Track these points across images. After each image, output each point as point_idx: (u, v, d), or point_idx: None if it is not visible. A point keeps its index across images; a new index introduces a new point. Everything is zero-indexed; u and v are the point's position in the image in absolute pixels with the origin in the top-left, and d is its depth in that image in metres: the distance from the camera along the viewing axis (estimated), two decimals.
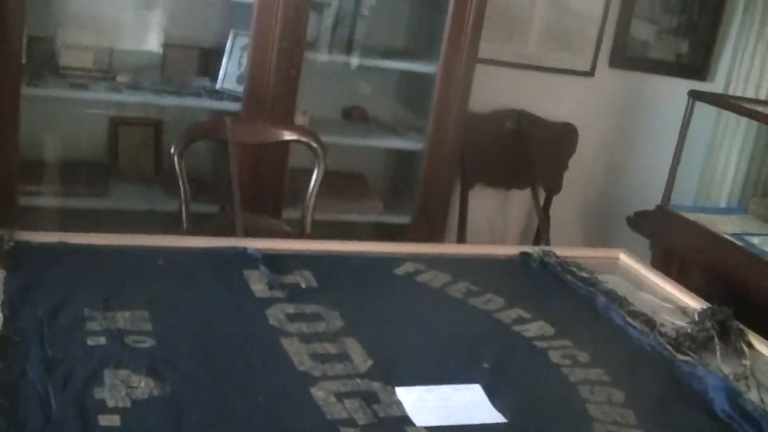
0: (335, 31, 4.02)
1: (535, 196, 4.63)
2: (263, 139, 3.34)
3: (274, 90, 3.62)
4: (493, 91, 4.51)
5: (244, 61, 3.70)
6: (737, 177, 4.98)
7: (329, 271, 2.55)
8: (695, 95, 4.22)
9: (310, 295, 2.38)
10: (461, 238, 4.51)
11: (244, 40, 3.74)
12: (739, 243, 3.91)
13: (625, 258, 3.05)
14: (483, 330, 2.38)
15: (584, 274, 2.79)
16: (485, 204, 4.73)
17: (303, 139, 3.26)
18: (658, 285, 2.87)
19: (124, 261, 2.44)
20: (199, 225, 3.16)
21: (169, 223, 3.19)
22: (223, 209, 3.42)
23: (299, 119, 3.77)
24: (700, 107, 4.23)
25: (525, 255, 2.91)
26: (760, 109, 4.10)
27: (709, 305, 2.63)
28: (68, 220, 3.63)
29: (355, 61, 4.01)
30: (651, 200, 4.38)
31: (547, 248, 3.01)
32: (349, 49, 4.02)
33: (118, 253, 2.48)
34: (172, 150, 3.03)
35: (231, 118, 3.22)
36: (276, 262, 2.52)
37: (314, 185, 3.22)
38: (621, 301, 2.62)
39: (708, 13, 5.02)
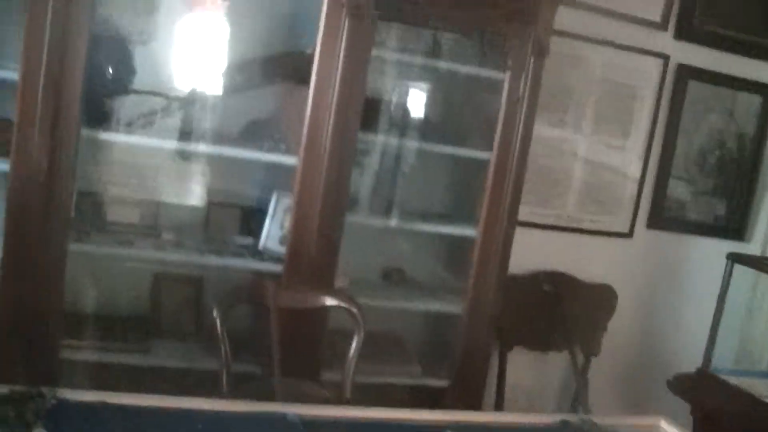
0: (375, 192, 4.07)
1: (573, 359, 4.59)
2: (304, 305, 3.36)
3: (316, 252, 3.65)
4: (531, 252, 4.53)
5: (287, 222, 3.74)
6: None
7: None
8: (734, 258, 4.23)
9: None
10: (499, 401, 4.46)
11: (287, 201, 3.79)
12: None
13: (665, 425, 3.00)
14: None
15: None
16: (524, 366, 4.69)
17: (343, 305, 3.28)
18: None
19: (165, 424, 2.44)
20: (238, 386, 3.14)
21: (209, 381, 3.18)
22: (264, 372, 3.41)
23: (339, 281, 3.78)
24: (739, 269, 4.23)
25: (565, 423, 2.87)
26: None
27: None
28: (108, 374, 3.61)
29: (394, 222, 4.04)
30: (691, 363, 4.36)
31: (586, 416, 2.98)
32: (389, 210, 4.06)
33: (158, 415, 2.47)
34: (214, 313, 3.05)
35: (273, 283, 3.24)
36: (315, 429, 2.51)
37: (354, 352, 3.22)
38: None
39: (744, 175, 5.07)
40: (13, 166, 3.28)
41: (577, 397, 4.67)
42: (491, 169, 3.92)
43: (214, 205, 4.01)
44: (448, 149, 4.10)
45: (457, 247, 4.24)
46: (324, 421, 2.61)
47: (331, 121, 3.58)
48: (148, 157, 3.83)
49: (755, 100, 5.03)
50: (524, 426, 2.92)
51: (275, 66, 3.91)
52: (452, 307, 4.14)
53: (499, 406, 4.45)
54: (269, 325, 3.19)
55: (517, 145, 3.91)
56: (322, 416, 2.65)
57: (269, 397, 2.94)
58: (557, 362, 4.80)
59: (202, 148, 3.80)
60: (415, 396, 4.17)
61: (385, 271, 4.35)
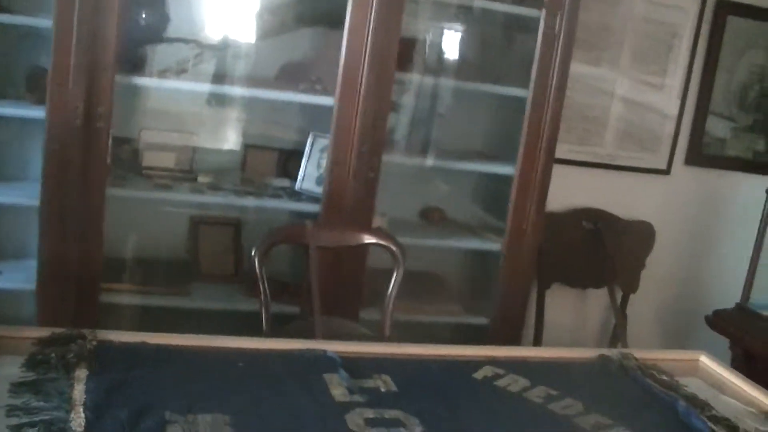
0: (412, 132, 4.07)
1: (612, 296, 4.59)
2: (343, 243, 3.37)
3: (353, 192, 3.67)
4: (570, 190, 4.53)
5: (324, 162, 3.75)
6: None
7: (408, 376, 2.54)
8: None
9: (390, 399, 2.37)
10: (538, 338, 4.49)
11: (323, 141, 3.80)
12: None
13: (705, 360, 3.00)
14: None
15: (664, 378, 2.75)
16: (562, 303, 4.71)
17: (382, 242, 3.29)
18: (740, 388, 2.81)
19: (205, 363, 2.47)
20: (279, 327, 3.19)
21: (249, 323, 3.21)
22: (303, 312, 3.44)
23: (377, 221, 3.80)
24: None
25: (604, 358, 2.88)
26: None
27: None
28: (148, 318, 3.70)
29: (432, 162, 4.04)
30: (730, 299, 4.36)
31: (625, 350, 2.98)
32: (426, 150, 4.07)
33: (198, 354, 2.51)
34: (253, 254, 3.08)
35: (311, 222, 3.26)
36: (355, 366, 2.52)
37: (393, 289, 3.24)
38: (703, 406, 2.57)
39: None
40: (49, 113, 3.32)
41: (616, 333, 4.68)
42: (528, 106, 3.90)
43: (250, 147, 4.04)
44: (485, 87, 4.09)
45: (496, 186, 4.25)
46: (364, 358, 2.63)
47: (367, 63, 3.58)
48: (184, 102, 3.89)
49: None
50: (563, 360, 2.92)
51: (309, 9, 3.91)
52: (491, 245, 4.16)
53: (538, 343, 4.48)
54: (308, 265, 3.21)
55: (554, 82, 3.89)
56: (361, 353, 2.67)
57: (309, 336, 2.96)
58: (596, 299, 4.81)
59: (237, 91, 3.84)
60: (455, 334, 4.23)
61: (424, 210, 4.36)
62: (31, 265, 3.49)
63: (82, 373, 2.23)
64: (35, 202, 3.42)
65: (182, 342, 2.54)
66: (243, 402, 2.24)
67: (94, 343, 2.40)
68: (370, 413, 2.27)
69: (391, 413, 2.28)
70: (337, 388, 2.39)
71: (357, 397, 2.35)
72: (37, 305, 3.48)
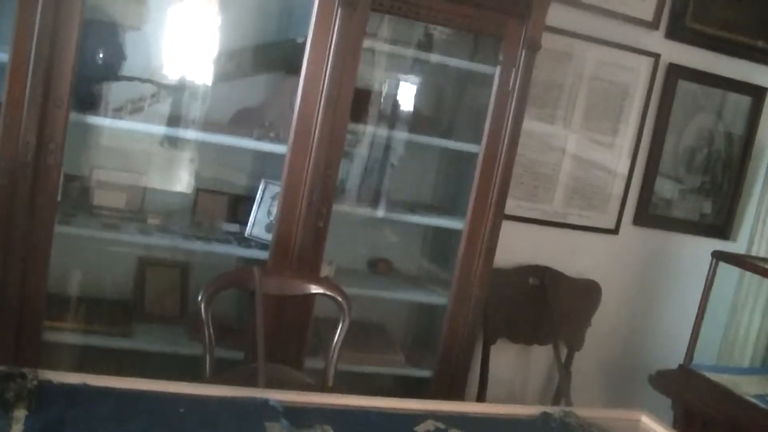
0: (363, 181, 4.09)
1: (557, 353, 4.61)
2: (290, 292, 3.36)
3: (302, 240, 3.65)
4: (517, 246, 4.57)
5: (274, 209, 3.74)
6: (760, 337, 4.97)
7: (350, 427, 2.53)
8: (719, 256, 4.26)
9: None
10: (482, 393, 4.49)
11: (274, 188, 3.80)
12: (763, 405, 3.88)
13: (646, 420, 3.01)
14: None
15: None
16: (507, 359, 4.72)
17: (329, 293, 3.28)
18: None
19: (145, 406, 2.43)
20: (222, 371, 3.16)
21: (192, 366, 3.20)
22: (246, 357, 3.43)
23: (325, 269, 3.80)
24: (724, 267, 4.25)
25: (546, 415, 2.88)
26: None
27: None
28: (91, 357, 3.65)
29: (381, 213, 4.05)
30: (673, 359, 4.40)
31: (567, 409, 2.98)
32: (376, 200, 4.07)
33: (139, 397, 2.48)
34: (200, 297, 3.06)
35: (259, 269, 3.24)
36: (297, 415, 2.50)
37: (338, 339, 3.23)
38: None
39: (731, 174, 5.11)
40: (1, 146, 3.28)
41: (559, 390, 4.69)
42: (480, 161, 3.92)
43: (201, 191, 4.03)
44: (437, 141, 4.11)
45: (444, 239, 4.27)
46: (306, 407, 2.62)
47: (321, 111, 3.58)
48: (137, 142, 3.85)
49: (744, 101, 5.06)
50: (506, 417, 2.91)
51: (266, 55, 3.93)
52: (437, 298, 4.17)
53: (481, 398, 4.48)
54: (254, 312, 3.20)
55: (506, 138, 3.91)
56: (304, 402, 2.66)
57: (252, 383, 2.94)
58: (541, 355, 4.83)
59: (191, 134, 3.80)
60: (398, 385, 4.22)
61: (372, 260, 4.37)
62: None
63: (20, 413, 2.19)
64: None
65: (123, 385, 2.51)
66: None
67: (35, 382, 2.36)
68: None
69: None
70: None
71: None
72: None
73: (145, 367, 3.73)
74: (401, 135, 4.13)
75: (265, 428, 2.41)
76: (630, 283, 5.00)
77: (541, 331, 4.68)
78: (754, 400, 3.93)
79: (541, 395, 4.90)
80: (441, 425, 2.65)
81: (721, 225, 5.15)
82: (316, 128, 3.59)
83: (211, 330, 3.07)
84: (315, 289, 3.34)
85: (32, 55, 3.22)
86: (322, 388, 3.19)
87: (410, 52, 4.05)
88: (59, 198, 3.44)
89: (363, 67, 3.73)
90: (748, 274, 4.79)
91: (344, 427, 2.51)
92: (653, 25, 4.73)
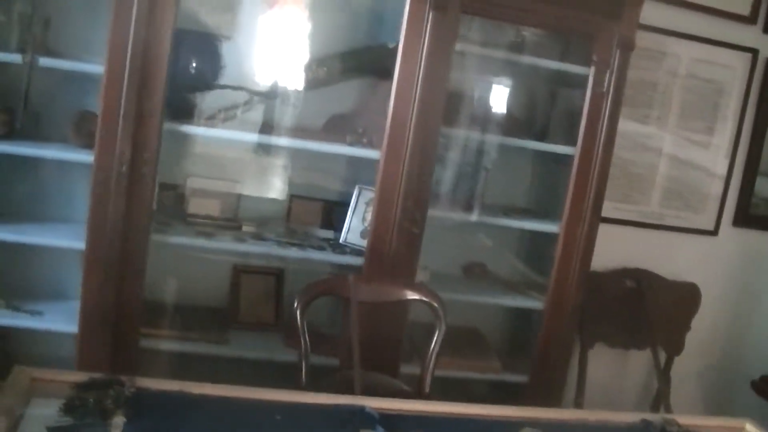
0: (457, 186, 4.05)
1: (656, 358, 4.52)
2: (385, 298, 3.35)
3: (397, 246, 3.64)
4: (614, 249, 4.49)
5: (368, 216, 3.74)
6: None
7: None
8: None
9: None
10: (579, 398, 4.42)
11: (368, 194, 3.80)
12: None
13: (751, 429, 2.93)
14: None
15: None
16: (604, 364, 4.65)
17: (425, 299, 3.27)
18: None
19: (242, 414, 2.46)
20: (316, 378, 3.16)
21: (287, 373, 3.19)
22: (342, 365, 3.42)
23: (420, 275, 3.77)
24: None
25: (645, 423, 2.83)
26: None
27: None
28: (186, 364, 3.68)
29: (475, 217, 4.01)
30: None
31: (668, 416, 2.92)
32: (470, 205, 4.03)
33: (236, 405, 2.49)
34: (295, 305, 3.06)
35: (354, 276, 3.24)
36: (393, 423, 2.50)
37: (435, 346, 3.21)
38: None
39: None
40: (97, 157, 3.33)
41: (658, 396, 4.60)
42: (575, 164, 3.87)
43: (295, 197, 4.04)
44: (531, 144, 4.07)
45: (539, 243, 4.22)
46: (402, 415, 2.60)
47: (414, 116, 3.56)
48: (231, 150, 3.89)
49: None
50: (604, 424, 2.87)
51: (357, 60, 3.91)
52: (533, 302, 4.12)
53: (579, 404, 4.41)
54: (349, 319, 3.19)
55: (602, 140, 3.85)
56: (399, 410, 2.64)
57: (347, 390, 2.93)
58: (639, 360, 4.74)
59: (284, 141, 3.84)
60: (494, 391, 4.17)
61: (466, 265, 4.33)
62: (73, 307, 3.50)
63: (119, 420, 2.22)
64: (79, 244, 3.43)
65: (220, 392, 2.53)
66: None
67: (133, 389, 2.39)
68: None
69: None
70: None
71: None
72: (76, 348, 3.47)
73: (241, 375, 3.74)
74: (494, 138, 4.09)
75: None
76: (730, 285, 4.88)
77: (638, 336, 4.59)
78: None
79: (639, 401, 4.81)
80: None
81: None
82: (409, 133, 3.57)
83: (307, 339, 3.07)
84: (410, 295, 3.32)
85: (126, 67, 3.27)
86: (419, 395, 3.17)
87: (501, 54, 4.00)
88: (154, 207, 3.48)
89: (454, 70, 3.69)
90: None
91: None
92: (750, 19, 4.62)
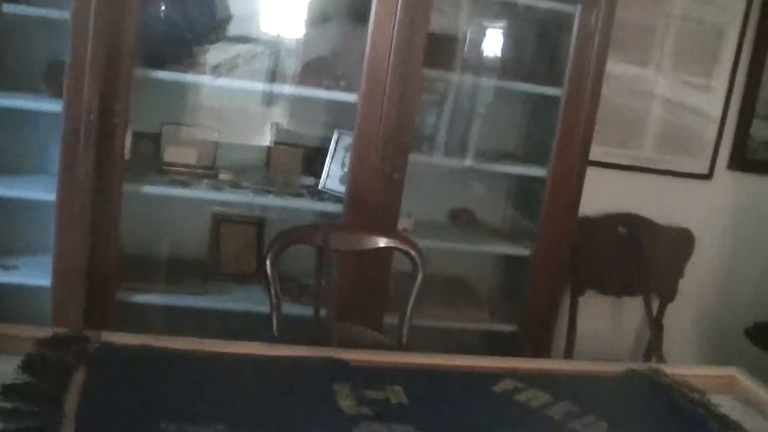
0: (442, 131, 3.97)
1: (648, 305, 4.45)
2: (360, 247, 3.25)
3: (378, 193, 3.57)
4: (606, 194, 4.39)
5: (348, 161, 3.65)
6: None
7: (422, 388, 2.42)
8: None
9: (401, 413, 2.25)
10: (570, 347, 4.36)
11: (348, 139, 3.71)
12: None
13: (740, 377, 2.84)
14: None
15: (696, 396, 2.60)
16: (596, 311, 4.56)
17: (401, 246, 3.17)
18: None
19: (211, 369, 2.37)
20: (295, 330, 3.09)
21: (268, 324, 3.12)
22: (318, 316, 3.34)
23: (403, 222, 3.69)
24: None
25: (632, 372, 2.75)
26: None
27: None
28: (166, 317, 3.65)
29: (462, 163, 3.93)
30: None
31: (655, 365, 2.85)
32: (456, 150, 3.96)
33: (204, 360, 2.41)
34: (265, 254, 2.98)
35: (325, 225, 3.16)
36: (367, 376, 2.42)
37: (412, 296, 3.12)
38: (735, 428, 2.42)
39: None
40: (66, 107, 3.25)
41: (651, 344, 4.53)
42: (562, 106, 3.78)
43: (275, 144, 3.96)
44: (519, 86, 3.97)
45: (528, 188, 4.15)
46: (377, 367, 2.53)
47: (392, 58, 3.48)
48: (207, 97, 3.81)
49: None
50: (589, 375, 2.79)
51: (334, 3, 3.84)
52: (522, 250, 4.04)
53: (569, 353, 4.35)
54: (323, 268, 3.12)
55: (589, 81, 3.76)
56: (374, 362, 2.57)
57: (323, 342, 2.85)
58: (631, 307, 4.66)
59: (261, 87, 3.75)
60: (483, 341, 4.12)
61: (453, 212, 4.25)
62: (49, 261, 3.43)
63: (79, 377, 2.13)
64: (53, 197, 3.35)
65: (187, 346, 2.45)
66: (244, 413, 2.14)
67: (97, 345, 2.31)
68: (378, 427, 2.15)
69: (400, 428, 2.16)
70: (346, 400, 2.27)
71: (365, 410, 2.23)
72: (52, 303, 3.41)
73: (222, 326, 3.71)
74: (481, 81, 4.01)
75: (332, 390, 2.32)
76: (725, 230, 4.78)
77: (631, 282, 4.51)
78: None
79: (632, 350, 4.75)
80: (521, 384, 2.53)
81: None
82: (387, 76, 3.48)
83: (278, 289, 2.98)
84: (385, 242, 3.21)
85: (92, 13, 3.18)
86: (397, 346, 3.10)
87: None
88: (128, 157, 3.40)
89: (438, 12, 3.62)
90: None
91: (416, 388, 2.41)
92: None
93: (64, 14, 3.27)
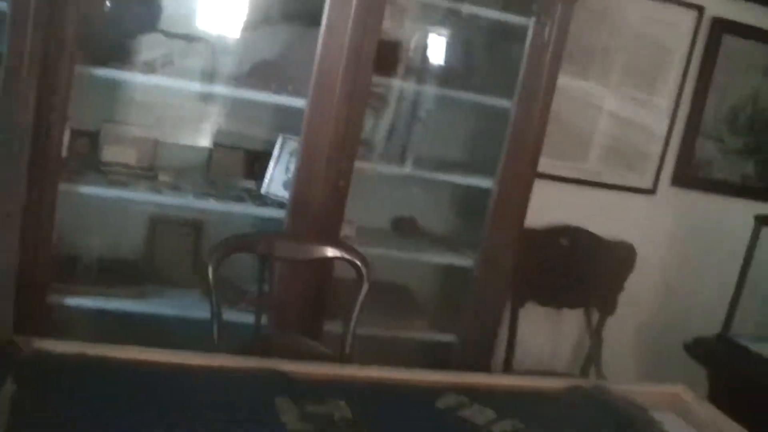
0: (388, 138, 3.92)
1: (588, 318, 4.45)
2: (305, 256, 3.19)
3: (322, 199, 3.50)
4: (549, 206, 4.36)
5: (292, 166, 3.58)
6: None
7: (366, 402, 2.38)
8: (762, 220, 4.06)
9: (344, 429, 2.21)
10: (509, 358, 4.34)
11: (293, 144, 3.64)
12: None
13: (684, 394, 2.86)
14: None
15: (638, 413, 2.60)
16: (536, 323, 4.55)
17: (347, 256, 3.11)
18: (718, 427, 2.69)
19: (148, 378, 2.29)
20: (235, 337, 3.01)
21: (206, 329, 3.04)
22: (263, 324, 3.27)
23: (346, 229, 3.63)
24: (767, 232, 4.07)
25: (576, 389, 2.73)
26: None
27: None
28: (100, 322, 3.54)
29: (407, 170, 3.88)
30: (711, 327, 4.24)
31: (599, 383, 2.85)
32: (402, 158, 3.91)
33: (140, 370, 2.33)
34: (207, 261, 2.90)
35: (271, 234, 3.09)
36: (311, 389, 2.37)
37: (357, 307, 3.07)
38: None
39: None
40: (1, 102, 3.11)
41: (590, 356, 4.53)
42: (512, 118, 3.75)
43: (217, 146, 3.88)
44: (469, 96, 3.91)
45: (473, 199, 4.07)
46: (320, 380, 2.48)
47: (343, 64, 3.41)
48: (150, 96, 3.70)
49: None
50: (534, 390, 2.78)
51: (286, 5, 3.75)
52: (465, 260, 3.99)
53: (509, 364, 4.33)
54: (266, 277, 3.05)
55: (541, 94, 3.73)
56: (318, 375, 2.52)
57: (265, 353, 2.79)
58: (571, 320, 4.66)
59: (206, 88, 3.65)
60: (422, 351, 4.06)
61: (396, 220, 4.20)
62: None
63: (9, 388, 2.04)
64: None
65: (124, 354, 2.37)
66: (182, 426, 2.07)
67: (28, 352, 2.22)
68: None
69: None
70: (289, 414, 2.21)
71: (309, 426, 2.18)
72: None
73: (158, 330, 3.60)
74: (431, 90, 3.98)
75: (275, 404, 2.25)
76: (667, 246, 4.80)
77: (571, 295, 4.51)
78: None
79: (571, 361, 4.74)
80: (464, 399, 2.50)
81: (765, 187, 4.92)
82: (337, 82, 3.41)
83: (218, 298, 2.91)
84: (331, 252, 3.15)
85: (32, 5, 3.04)
86: (340, 357, 3.04)
87: (440, 2, 3.84)
88: (65, 155, 3.29)
89: (389, 19, 3.56)
90: None
91: (360, 402, 2.36)
92: None
93: (1, 5, 3.13)
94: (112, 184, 3.50)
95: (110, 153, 3.60)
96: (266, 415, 2.20)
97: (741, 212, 4.52)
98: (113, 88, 3.61)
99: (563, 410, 2.65)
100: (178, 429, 2.03)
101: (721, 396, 3.81)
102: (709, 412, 2.78)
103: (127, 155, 3.61)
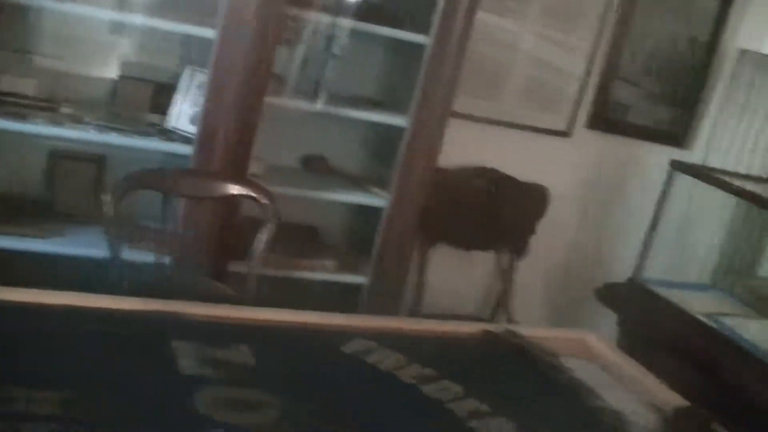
0: (300, 73, 3.81)
1: (498, 260, 4.42)
2: (209, 194, 3.10)
3: (230, 134, 3.38)
4: (463, 146, 4.28)
5: (201, 100, 3.45)
6: (713, 253, 4.79)
7: (269, 346, 2.31)
8: (677, 166, 4.05)
9: (246, 375, 2.14)
10: (418, 300, 4.30)
11: (202, 77, 3.51)
12: (713, 324, 3.73)
13: (594, 341, 2.85)
14: (433, 426, 2.14)
15: (549, 359, 2.57)
16: (446, 265, 4.49)
17: (252, 194, 3.02)
18: (628, 373, 2.69)
19: (42, 322, 2.18)
20: (135, 277, 2.92)
21: (106, 271, 2.93)
22: (161, 264, 3.16)
23: (254, 167, 3.53)
24: (680, 178, 4.06)
25: (487, 334, 2.69)
26: (749, 186, 3.94)
27: (687, 404, 2.48)
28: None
29: (319, 107, 3.78)
30: (623, 272, 4.23)
31: (511, 327, 2.80)
32: (313, 94, 3.79)
33: (32, 312, 2.22)
34: (109, 198, 2.79)
35: (175, 171, 2.98)
36: (210, 333, 2.28)
37: (262, 247, 2.99)
38: (588, 395, 2.40)
39: (691, 80, 4.86)
40: None
41: (500, 299, 4.50)
42: (428, 54, 3.68)
43: (123, 78, 3.72)
44: (384, 31, 3.80)
45: (387, 137, 4.00)
46: (222, 323, 2.40)
47: None
48: (52, 23, 3.54)
49: (711, 4, 4.78)
50: (443, 335, 2.73)
51: None
52: (376, 200, 3.93)
53: (418, 305, 4.29)
54: (169, 214, 2.95)
55: (458, 30, 3.66)
56: (219, 318, 2.43)
57: (166, 294, 2.69)
58: (482, 262, 4.62)
59: (111, 15, 3.51)
60: (330, 292, 3.99)
61: (306, 158, 4.09)
62: None
63: None
64: None
65: (18, 297, 2.25)
66: (74, 373, 1.97)
67: None
68: (222, 391, 2.02)
69: (245, 392, 2.05)
70: (186, 359, 2.12)
71: (208, 371, 2.09)
72: None
73: (60, 271, 3.47)
74: (346, 23, 3.83)
75: (172, 348, 2.16)
76: (580, 189, 4.77)
77: (483, 237, 4.48)
78: (704, 320, 3.77)
79: (481, 304, 4.71)
80: (372, 344, 2.44)
81: (678, 133, 4.93)
82: (249, 12, 3.29)
83: (119, 235, 2.83)
84: (236, 190, 3.06)
85: None
86: (242, 299, 2.95)
87: None
88: None
89: None
90: (703, 185, 4.58)
91: (263, 346, 2.29)
92: None
93: None
94: (10, 116, 3.34)
95: (8, 83, 3.42)
96: (163, 361, 2.10)
97: (656, 157, 4.52)
98: (11, 13, 3.42)
99: (473, 355, 2.62)
100: (62, 379, 1.93)
101: (631, 341, 3.82)
102: (617, 358, 2.78)
103: (27, 86, 3.44)
